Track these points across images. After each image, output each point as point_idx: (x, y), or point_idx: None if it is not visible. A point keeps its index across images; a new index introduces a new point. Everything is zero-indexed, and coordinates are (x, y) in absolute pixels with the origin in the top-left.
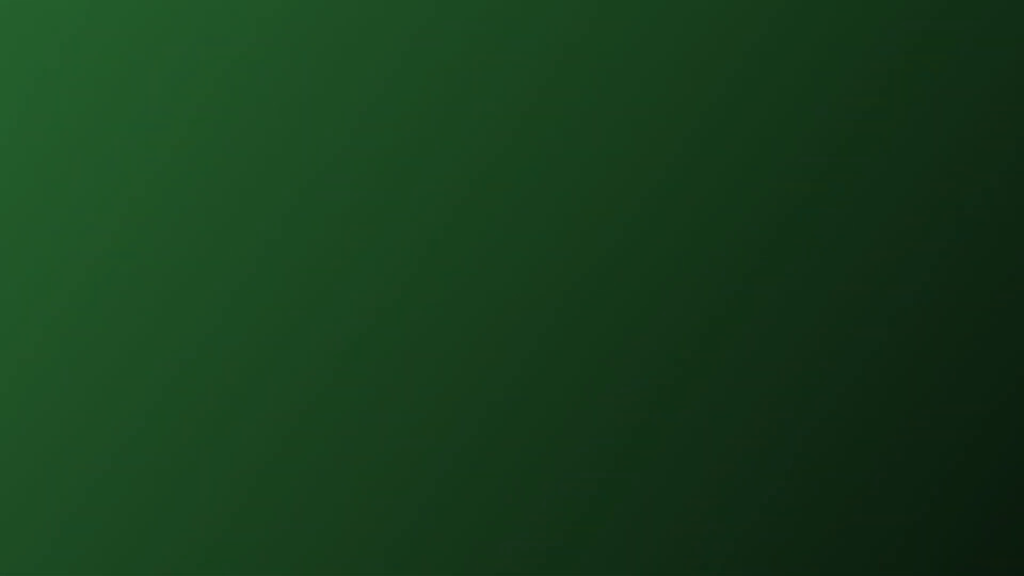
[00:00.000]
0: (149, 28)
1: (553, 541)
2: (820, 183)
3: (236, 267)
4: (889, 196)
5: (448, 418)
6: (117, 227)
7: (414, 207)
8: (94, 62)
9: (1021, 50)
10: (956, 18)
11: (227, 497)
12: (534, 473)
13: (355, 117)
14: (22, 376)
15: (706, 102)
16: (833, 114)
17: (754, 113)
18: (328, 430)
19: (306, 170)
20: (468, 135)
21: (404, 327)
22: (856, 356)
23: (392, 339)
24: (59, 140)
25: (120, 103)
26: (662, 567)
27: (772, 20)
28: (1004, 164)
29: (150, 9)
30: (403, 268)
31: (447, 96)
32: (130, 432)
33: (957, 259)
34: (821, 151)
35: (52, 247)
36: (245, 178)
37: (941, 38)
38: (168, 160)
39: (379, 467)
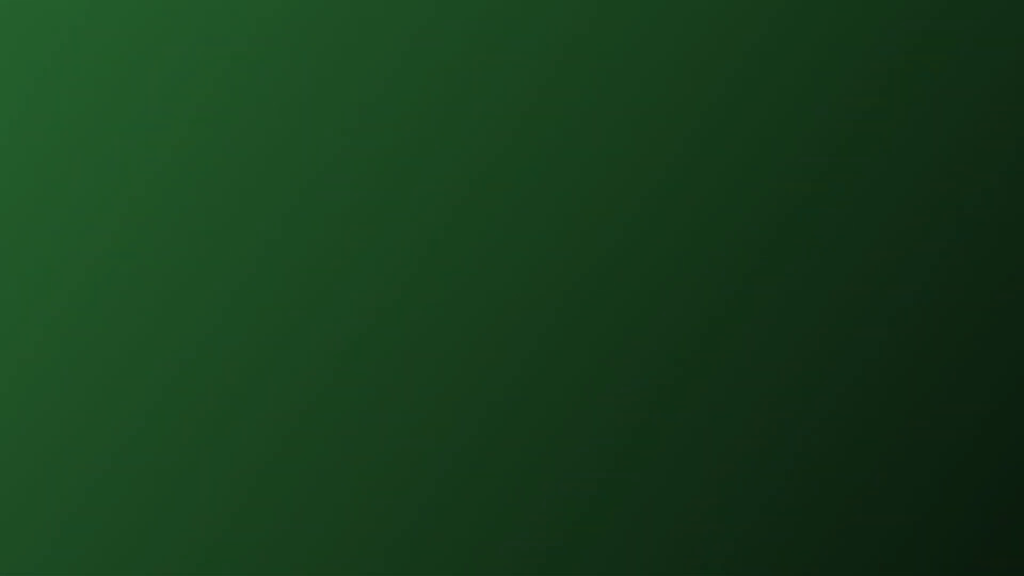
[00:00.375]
0: (149, 28)
1: (553, 541)
2: (820, 183)
3: (236, 267)
4: (889, 196)
5: (448, 418)
6: (117, 227)
7: (414, 207)
8: (93, 62)
9: (1021, 50)
10: (956, 18)
11: (227, 497)
12: (534, 473)
13: (355, 117)
14: (22, 376)
15: (706, 102)
16: (833, 114)
17: (754, 113)
18: (328, 430)
19: (306, 170)
20: (467, 135)
21: (404, 327)
22: (856, 356)
23: (392, 339)
24: (59, 140)
25: (118, 103)
26: (662, 567)
27: (772, 20)
28: (1004, 164)
29: (149, 9)
30: (403, 268)
31: (446, 96)
32: (130, 432)
33: (957, 259)
34: (821, 151)
35: (52, 247)
36: (244, 178)
37: (941, 38)
38: (168, 160)
39: (379, 467)
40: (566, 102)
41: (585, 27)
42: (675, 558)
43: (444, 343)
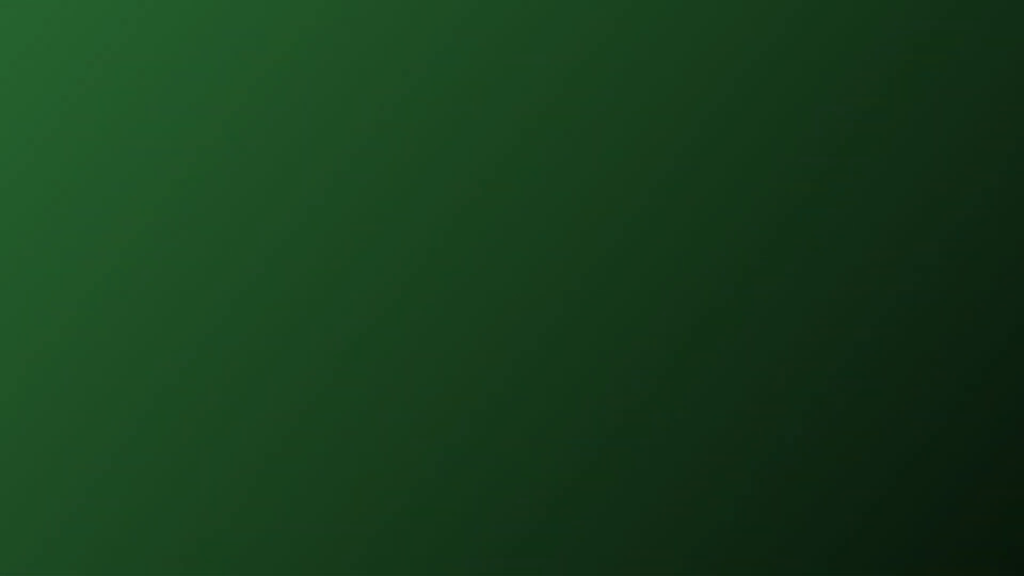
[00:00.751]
0: (153, 31)
1: (553, 541)
2: (820, 183)
3: (236, 267)
4: (889, 196)
5: (448, 418)
6: (118, 228)
7: (413, 209)
8: (95, 63)
9: (1021, 50)
10: (956, 18)
11: (227, 497)
12: (536, 473)
13: (354, 119)
14: (22, 376)
15: (705, 103)
16: (833, 114)
17: (754, 114)
18: (328, 430)
19: (306, 172)
20: (465, 136)
21: (404, 327)
22: (855, 357)
23: (392, 339)
24: (60, 143)
25: (117, 104)
26: (658, 566)
27: (772, 21)
28: (1004, 164)
29: (156, 14)
30: (403, 269)
31: (445, 98)
32: (130, 432)
33: (957, 259)
34: (821, 151)
35: (54, 247)
36: (244, 179)
37: (941, 38)
38: (168, 162)
39: (379, 467)
40: (564, 105)
41: (583, 29)
42: (671, 558)
43: (444, 343)
